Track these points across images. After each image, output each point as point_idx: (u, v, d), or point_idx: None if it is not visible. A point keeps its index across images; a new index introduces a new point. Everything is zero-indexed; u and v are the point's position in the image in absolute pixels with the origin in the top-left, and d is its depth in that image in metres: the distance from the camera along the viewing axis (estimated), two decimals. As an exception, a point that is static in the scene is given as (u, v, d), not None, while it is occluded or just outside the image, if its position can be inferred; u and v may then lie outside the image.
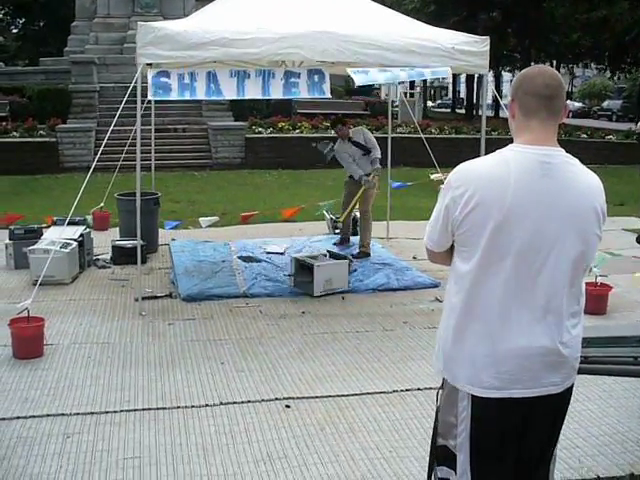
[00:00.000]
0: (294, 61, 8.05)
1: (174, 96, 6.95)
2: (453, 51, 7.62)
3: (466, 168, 2.65)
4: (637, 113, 37.35)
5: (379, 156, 9.92)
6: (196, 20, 7.66)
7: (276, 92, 7.19)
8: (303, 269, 8.07)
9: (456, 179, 2.64)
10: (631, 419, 5.16)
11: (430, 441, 2.98)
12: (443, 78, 8.10)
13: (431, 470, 2.92)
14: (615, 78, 45.56)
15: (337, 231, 10.92)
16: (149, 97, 7.04)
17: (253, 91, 7.11)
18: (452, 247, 2.76)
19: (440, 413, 2.84)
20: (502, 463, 2.71)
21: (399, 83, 12.97)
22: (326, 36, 7.22)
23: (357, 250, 9.81)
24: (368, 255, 9.69)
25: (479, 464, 2.69)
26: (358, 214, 10.28)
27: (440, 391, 2.86)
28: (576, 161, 2.65)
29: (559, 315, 2.63)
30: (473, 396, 2.65)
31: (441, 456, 2.82)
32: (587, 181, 2.65)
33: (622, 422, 5.10)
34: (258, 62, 7.31)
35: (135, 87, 7.09)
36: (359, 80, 7.54)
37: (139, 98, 7.17)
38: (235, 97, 7.19)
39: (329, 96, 7.41)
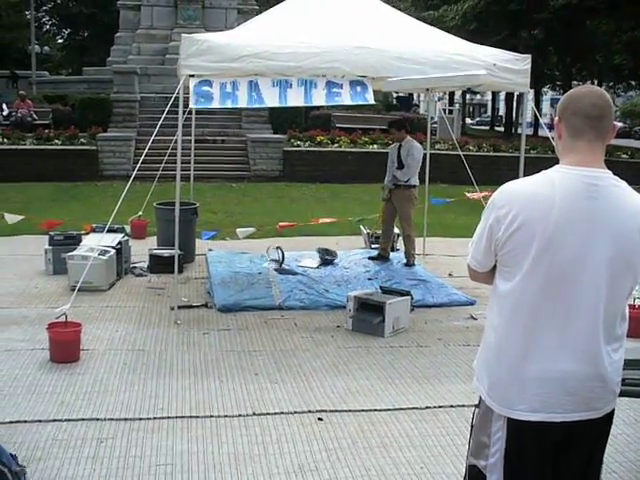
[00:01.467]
0: (335, 75, 8.08)
1: (216, 104, 7.03)
2: (494, 68, 7.60)
3: (511, 188, 2.63)
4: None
5: (400, 177, 9.93)
6: (238, 33, 7.77)
7: (318, 100, 7.24)
8: (366, 308, 7.42)
9: (500, 199, 2.63)
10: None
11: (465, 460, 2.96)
12: (482, 95, 8.07)
13: None
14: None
15: (374, 246, 10.90)
16: (191, 105, 7.11)
17: (295, 99, 7.16)
18: (494, 266, 2.75)
19: (474, 432, 2.81)
20: None
21: (438, 99, 12.97)
22: (367, 51, 7.26)
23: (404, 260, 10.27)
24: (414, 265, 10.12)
25: None
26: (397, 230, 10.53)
27: (476, 410, 2.84)
28: (623, 183, 2.62)
29: (603, 338, 2.59)
30: (509, 418, 2.62)
31: (471, 475, 2.81)
32: (634, 204, 2.59)
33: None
34: (299, 75, 7.35)
35: (177, 97, 7.18)
36: (389, 86, 7.62)
37: (181, 108, 7.26)
38: (277, 105, 7.22)
39: (372, 102, 7.46)
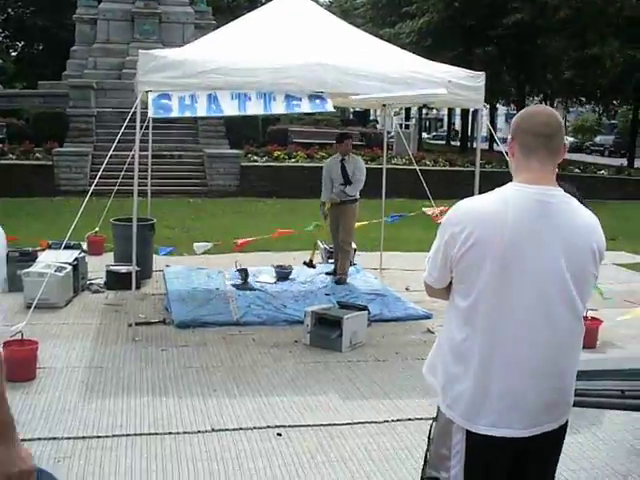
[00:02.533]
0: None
1: (175, 114, 7.02)
2: (449, 85, 7.73)
3: (465, 205, 2.69)
4: (628, 149, 37.64)
5: (350, 192, 9.85)
6: (196, 49, 7.78)
7: (278, 109, 7.28)
8: (324, 323, 7.45)
9: (455, 216, 2.68)
10: (620, 452, 5.20)
11: (420, 472, 3.00)
12: (438, 110, 8.19)
13: None
14: (606, 115, 45.98)
15: (331, 261, 10.94)
16: (150, 115, 7.09)
17: (254, 109, 7.19)
18: (450, 282, 2.80)
19: (433, 445, 2.85)
20: None
21: (394, 114, 13.12)
22: (324, 68, 7.33)
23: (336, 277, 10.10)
24: (345, 283, 9.91)
25: None
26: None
27: (434, 423, 2.88)
28: (573, 200, 2.69)
29: (559, 354, 2.66)
30: (468, 431, 2.67)
31: None
32: (584, 220, 2.68)
33: (611, 455, 5.14)
34: (258, 90, 7.39)
35: (134, 112, 7.17)
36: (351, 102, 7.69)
37: (138, 124, 7.26)
38: (236, 113, 7.24)
39: (332, 109, 7.52)
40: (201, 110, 7.09)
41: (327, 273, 10.40)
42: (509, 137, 2.78)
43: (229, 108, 7.14)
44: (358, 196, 10.00)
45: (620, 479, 4.80)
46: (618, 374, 3.33)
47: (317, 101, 7.34)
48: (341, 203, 9.85)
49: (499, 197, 2.66)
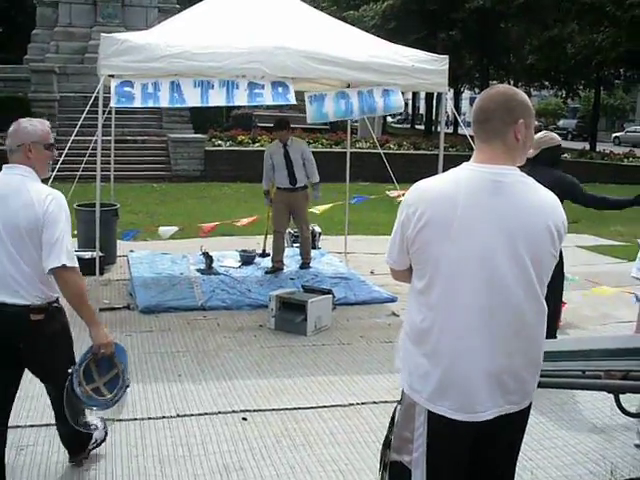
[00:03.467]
0: (255, 76, 8.09)
1: (137, 104, 6.96)
2: (412, 69, 7.74)
3: (420, 186, 2.71)
4: (591, 133, 38.11)
5: (318, 180, 9.73)
6: (158, 33, 7.69)
7: (240, 100, 7.24)
8: (288, 307, 7.45)
9: (411, 197, 2.70)
10: (581, 432, 5.29)
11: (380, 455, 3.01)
12: (402, 93, 8.16)
13: None
14: (568, 99, 46.44)
15: (296, 245, 10.91)
16: (112, 105, 7.03)
17: (217, 99, 7.14)
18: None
19: (396, 428, 2.85)
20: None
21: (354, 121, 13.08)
22: (286, 52, 7.30)
23: (300, 263, 10.03)
24: (309, 267, 9.92)
25: None
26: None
27: (398, 406, 2.89)
28: (530, 179, 2.68)
29: (519, 334, 2.65)
30: (430, 412, 2.67)
31: (395, 472, 2.83)
32: (540, 199, 2.66)
33: (573, 435, 5.23)
34: (220, 75, 7.35)
35: (97, 97, 7.09)
36: (311, 116, 7.65)
37: (100, 108, 7.18)
38: (199, 104, 7.18)
39: (294, 102, 7.46)
40: (164, 100, 7.02)
41: (266, 272, 9.70)
42: None
43: (192, 99, 7.07)
44: (306, 183, 9.72)
45: (581, 457, 4.88)
46: (579, 354, 3.38)
47: (280, 89, 7.31)
48: (292, 190, 9.56)
49: (451, 177, 2.68)
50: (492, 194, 2.60)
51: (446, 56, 8.05)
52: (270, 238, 10.11)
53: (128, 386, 4.51)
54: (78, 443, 4.55)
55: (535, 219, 2.62)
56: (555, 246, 2.66)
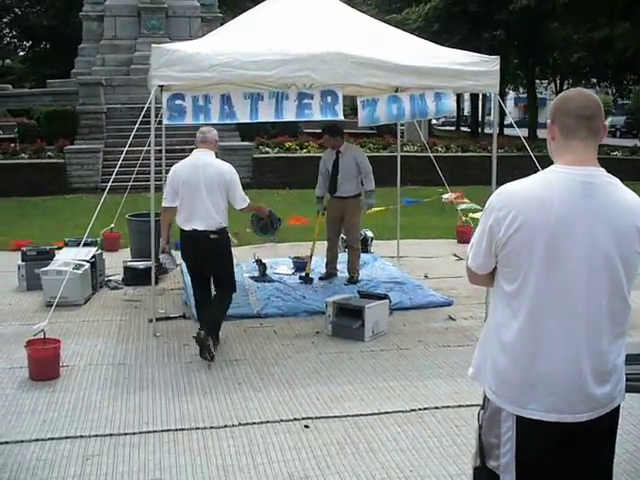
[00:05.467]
0: (304, 84, 8.08)
1: (189, 120, 6.99)
2: (464, 71, 7.64)
3: (509, 189, 2.66)
4: (640, 129, 37.48)
5: (373, 188, 9.29)
6: (208, 42, 7.72)
7: (289, 115, 7.22)
8: (345, 313, 7.42)
9: (499, 200, 2.65)
10: (651, 437, 5.16)
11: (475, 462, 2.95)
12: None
13: None
14: (617, 96, 45.78)
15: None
16: (165, 122, 7.09)
17: (266, 114, 7.14)
18: (494, 268, 2.77)
19: (482, 433, 2.80)
20: None
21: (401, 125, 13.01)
22: (337, 58, 7.25)
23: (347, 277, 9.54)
24: (357, 282, 9.34)
25: None
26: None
27: (481, 411, 2.84)
28: (617, 181, 2.67)
29: (606, 336, 2.64)
30: (518, 417, 2.64)
31: (480, 477, 2.81)
32: (628, 200, 2.66)
33: (641, 440, 5.10)
34: (270, 84, 7.36)
35: (149, 108, 7.14)
36: (362, 119, 7.58)
37: (153, 119, 7.25)
38: (249, 121, 7.20)
39: (342, 118, 7.42)
40: (215, 116, 7.04)
41: (320, 278, 9.65)
42: (548, 121, 2.75)
43: (242, 114, 7.08)
44: (359, 191, 9.41)
45: (652, 463, 4.77)
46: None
47: (329, 98, 7.26)
48: (341, 198, 9.34)
49: (542, 180, 2.64)
50: (584, 196, 2.58)
51: (497, 57, 7.92)
52: (321, 246, 9.88)
53: (280, 219, 8.15)
54: (217, 332, 6.82)
55: (625, 220, 2.61)
56: None
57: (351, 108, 27.13)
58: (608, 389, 2.68)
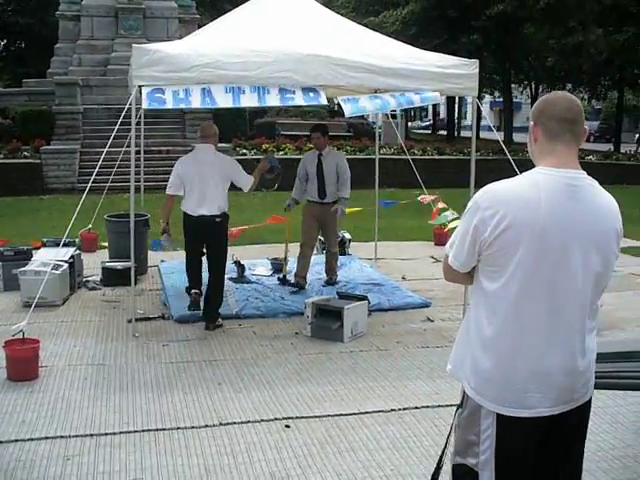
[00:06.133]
0: (285, 84, 8.10)
1: (169, 106, 6.99)
2: (443, 74, 7.70)
3: (495, 189, 2.68)
4: (615, 134, 37.85)
5: (348, 196, 9.11)
6: (189, 43, 7.72)
7: (272, 101, 7.25)
8: (324, 314, 7.43)
9: (485, 200, 2.67)
10: (626, 435, 5.24)
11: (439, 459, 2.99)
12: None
13: None
14: (592, 100, 46.21)
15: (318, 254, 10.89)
16: (144, 106, 7.03)
17: (249, 101, 7.18)
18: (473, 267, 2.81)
19: (460, 431, 2.84)
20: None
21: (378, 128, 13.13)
22: (317, 60, 7.28)
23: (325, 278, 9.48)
24: (334, 284, 9.25)
25: None
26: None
27: (459, 409, 2.88)
28: (596, 183, 2.73)
29: (582, 333, 2.71)
30: (499, 414, 2.68)
31: (459, 474, 2.83)
32: (608, 203, 2.74)
33: (618, 438, 5.17)
34: (252, 84, 7.38)
35: (129, 109, 7.13)
36: (348, 110, 7.57)
37: (133, 120, 7.24)
38: (230, 105, 7.19)
39: (326, 103, 7.50)
40: (195, 103, 7.05)
41: (286, 282, 9.43)
42: (530, 123, 2.79)
43: (223, 101, 7.10)
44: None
45: (629, 462, 4.83)
46: (636, 356, 3.35)
47: (311, 94, 7.32)
48: (322, 204, 9.15)
49: (529, 181, 2.67)
50: (569, 198, 2.63)
51: (476, 60, 8.00)
52: (294, 247, 9.62)
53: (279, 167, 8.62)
54: (217, 313, 7.69)
55: (607, 222, 2.70)
56: (618, 247, 2.75)
57: (328, 111, 27.24)
58: (586, 383, 2.77)
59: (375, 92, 8.31)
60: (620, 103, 37.94)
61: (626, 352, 3.44)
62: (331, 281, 9.43)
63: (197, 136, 7.96)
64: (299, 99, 7.29)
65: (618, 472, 4.67)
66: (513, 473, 2.72)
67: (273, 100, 7.27)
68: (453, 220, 11.41)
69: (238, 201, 18.56)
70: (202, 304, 7.73)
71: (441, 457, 3.04)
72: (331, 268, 9.52)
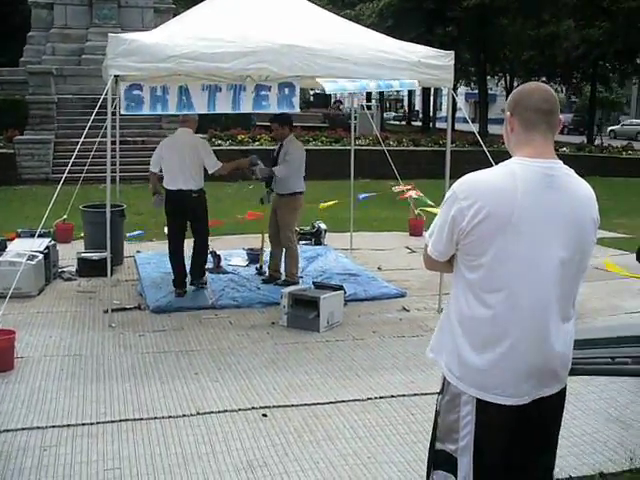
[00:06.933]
0: (261, 75, 8.10)
1: (146, 110, 6.98)
2: (419, 64, 7.74)
3: (472, 179, 2.71)
4: (588, 126, 38.20)
5: (277, 174, 8.65)
6: (166, 33, 7.68)
7: (246, 107, 7.26)
8: (301, 304, 7.45)
9: (462, 190, 2.70)
10: (598, 421, 5.34)
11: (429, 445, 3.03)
12: (398, 91, 8.21)
13: (429, 475, 2.98)
14: (566, 93, 46.55)
15: (303, 242, 10.93)
16: (122, 111, 7.05)
17: (224, 105, 7.19)
18: (452, 255, 2.84)
19: (440, 417, 2.88)
20: (506, 466, 2.78)
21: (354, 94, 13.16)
22: (294, 50, 7.28)
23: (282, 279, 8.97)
24: (297, 283, 8.68)
25: (482, 467, 2.75)
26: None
27: (439, 396, 2.91)
28: (573, 172, 2.76)
29: (561, 321, 2.74)
30: (478, 401, 2.72)
31: (439, 460, 2.87)
32: (585, 192, 2.77)
33: (589, 424, 5.27)
34: (228, 76, 7.38)
35: (105, 99, 7.09)
36: (329, 88, 7.62)
37: (109, 110, 7.20)
38: (206, 112, 7.22)
39: (297, 110, 7.50)
40: (172, 106, 7.06)
41: (259, 274, 9.40)
42: (507, 113, 2.81)
43: (199, 104, 7.11)
44: (298, 189, 8.81)
45: (599, 446, 4.93)
46: (607, 342, 3.42)
47: (286, 91, 7.33)
48: (278, 194, 8.88)
49: (506, 171, 2.70)
50: (546, 188, 2.66)
51: (452, 52, 8.04)
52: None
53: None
54: (203, 270, 8.76)
55: (583, 211, 2.74)
56: (595, 235, 2.79)
57: (304, 101, 27.23)
58: (564, 369, 2.82)
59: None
60: (593, 96, 38.24)
61: (592, 339, 3.51)
62: (270, 279, 9.06)
63: (179, 120, 8.64)
64: (273, 103, 7.30)
65: (589, 457, 4.76)
66: (491, 459, 2.75)
67: (247, 104, 7.27)
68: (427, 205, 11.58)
69: (212, 191, 18.54)
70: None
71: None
72: (288, 268, 8.91)
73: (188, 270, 8.62)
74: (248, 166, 8.93)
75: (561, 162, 2.74)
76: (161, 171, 8.54)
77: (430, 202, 11.70)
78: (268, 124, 23.78)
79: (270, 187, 8.98)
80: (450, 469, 2.80)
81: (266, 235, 9.46)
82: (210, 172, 8.44)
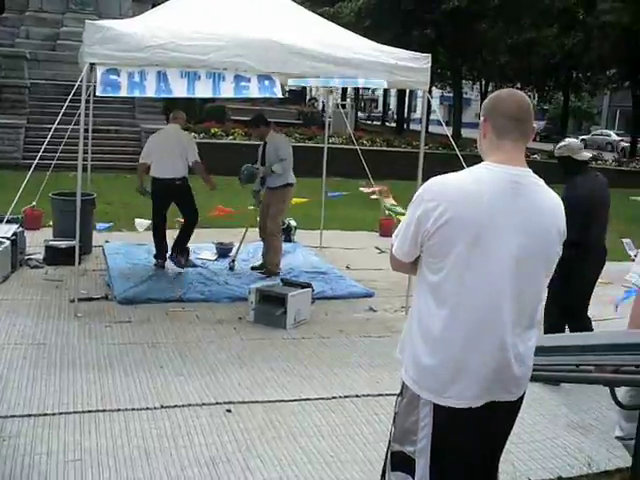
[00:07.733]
0: (238, 69, 8.06)
1: (124, 93, 6.89)
2: (396, 67, 7.77)
3: (439, 182, 2.72)
4: (560, 133, 38.58)
5: (277, 171, 9.04)
6: (143, 22, 7.63)
7: (226, 92, 7.21)
8: (268, 300, 7.47)
9: (429, 192, 2.70)
10: (558, 427, 5.42)
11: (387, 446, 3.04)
12: (373, 91, 8.30)
13: (384, 475, 3.00)
14: (538, 100, 46.97)
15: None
16: (98, 94, 6.94)
17: (203, 90, 7.13)
18: (417, 257, 2.85)
19: (399, 419, 2.90)
20: (461, 468, 2.80)
21: (329, 92, 13.21)
22: (272, 46, 7.27)
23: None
24: (277, 274, 9.05)
25: (439, 469, 2.77)
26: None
27: (399, 398, 2.93)
28: (542, 182, 2.78)
29: (521, 328, 2.75)
30: (435, 404, 2.73)
31: (396, 461, 2.89)
32: (552, 202, 2.78)
33: (550, 429, 5.35)
34: (205, 68, 7.33)
35: (79, 86, 7.01)
36: (292, 81, 7.70)
37: (83, 97, 7.12)
38: (185, 95, 7.13)
39: (280, 96, 7.53)
40: (150, 90, 6.97)
41: (252, 268, 9.56)
42: (481, 118, 2.83)
43: (178, 89, 7.03)
44: (290, 181, 9.21)
45: (559, 451, 4.99)
46: (574, 349, 3.47)
47: (266, 82, 7.31)
48: (268, 188, 9.26)
49: (473, 176, 2.71)
50: (512, 195, 2.67)
51: (428, 55, 8.08)
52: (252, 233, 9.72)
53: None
54: (185, 248, 9.50)
55: (549, 221, 2.75)
56: (560, 246, 2.80)
57: (279, 98, 27.22)
58: (525, 375, 2.83)
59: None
60: (565, 105, 38.63)
61: (563, 346, 3.56)
62: (269, 274, 9.18)
63: (170, 117, 9.74)
64: (254, 89, 7.26)
65: (549, 461, 4.82)
66: (448, 461, 2.78)
67: (227, 90, 7.23)
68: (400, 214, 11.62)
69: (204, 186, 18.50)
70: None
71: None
72: (270, 260, 9.29)
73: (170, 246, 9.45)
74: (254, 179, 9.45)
75: (531, 171, 2.75)
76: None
77: (403, 210, 11.73)
78: (243, 119, 23.86)
79: (257, 189, 9.54)
80: (407, 470, 2.83)
81: (252, 230, 9.76)
82: (189, 164, 9.22)
